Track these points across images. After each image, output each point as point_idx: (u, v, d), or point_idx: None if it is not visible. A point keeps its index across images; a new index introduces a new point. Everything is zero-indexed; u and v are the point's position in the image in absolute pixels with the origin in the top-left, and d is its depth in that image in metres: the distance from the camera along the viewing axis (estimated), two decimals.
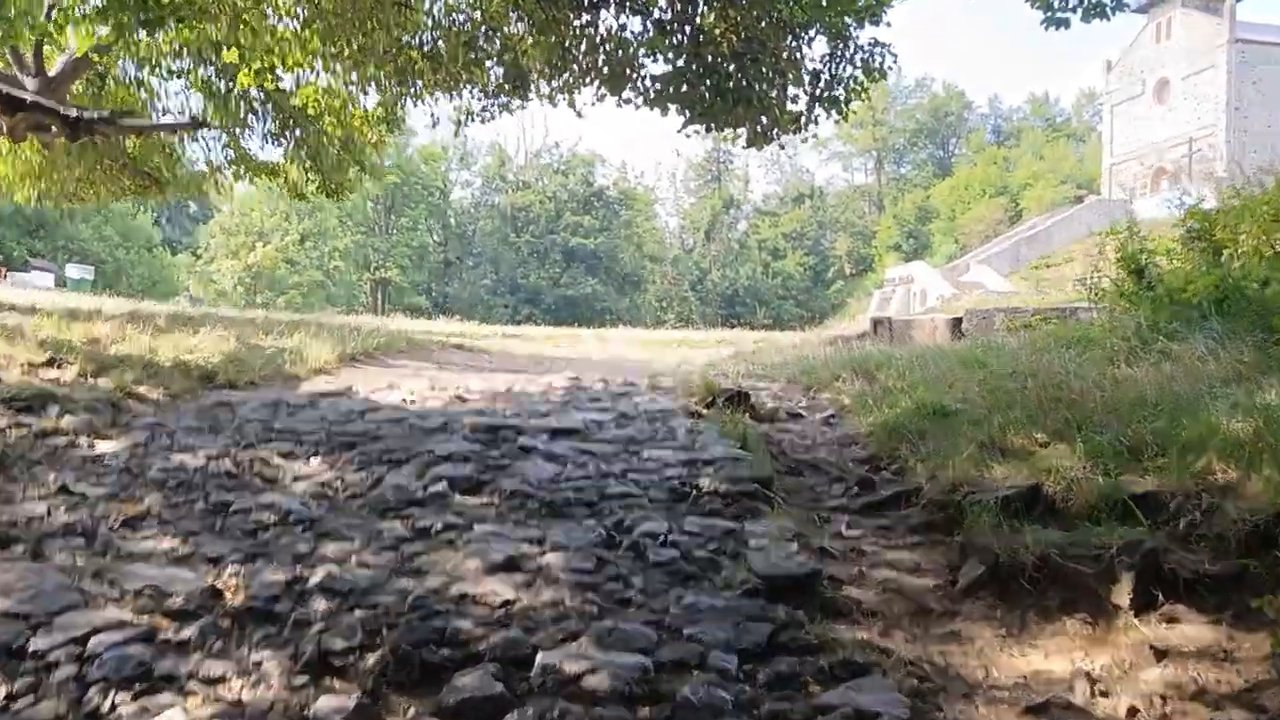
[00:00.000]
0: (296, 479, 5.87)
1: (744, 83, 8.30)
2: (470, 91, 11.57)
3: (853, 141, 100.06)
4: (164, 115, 15.37)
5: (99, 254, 55.55)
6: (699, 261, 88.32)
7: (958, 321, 12.16)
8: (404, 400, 8.26)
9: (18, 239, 51.76)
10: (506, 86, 9.84)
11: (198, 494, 5.50)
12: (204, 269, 67.72)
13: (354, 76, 10.55)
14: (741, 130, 10.09)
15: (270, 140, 15.76)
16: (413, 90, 10.98)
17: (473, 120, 11.77)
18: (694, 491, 5.51)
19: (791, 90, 8.64)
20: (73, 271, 38.89)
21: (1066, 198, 76.81)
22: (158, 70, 13.98)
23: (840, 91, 8.58)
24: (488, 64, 9.78)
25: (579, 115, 10.30)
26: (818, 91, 8.63)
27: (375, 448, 6.51)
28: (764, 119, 9.06)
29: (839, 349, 12.70)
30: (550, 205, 79.90)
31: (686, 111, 9.58)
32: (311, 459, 6.29)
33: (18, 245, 51.26)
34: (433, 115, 10.74)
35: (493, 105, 11.37)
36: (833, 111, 8.67)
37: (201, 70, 13.60)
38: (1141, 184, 67.64)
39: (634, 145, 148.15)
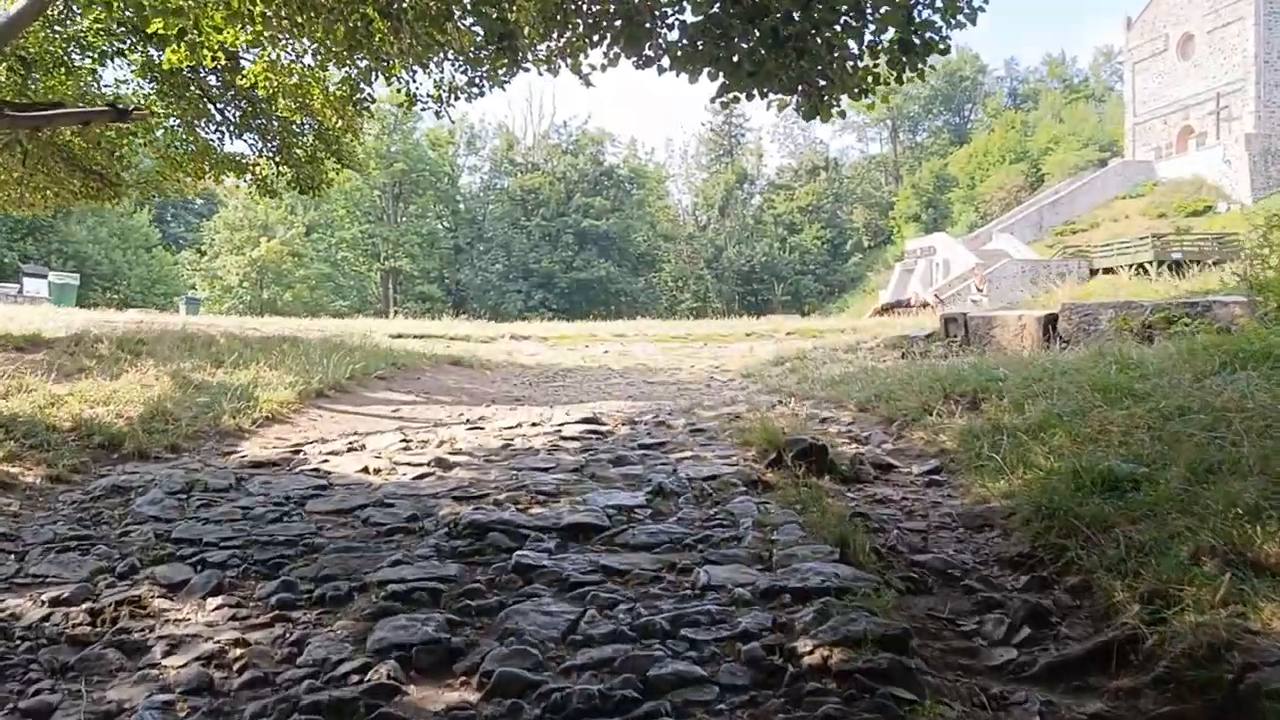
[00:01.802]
0: (174, 646, 3.82)
1: (809, 29, 6.15)
2: (451, 62, 9.47)
3: (866, 110, 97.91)
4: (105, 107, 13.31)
5: (94, 257, 53.64)
6: (714, 239, 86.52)
7: (1052, 320, 10.00)
8: (366, 469, 6.19)
9: (8, 243, 49.87)
10: (491, 50, 7.75)
11: (9, 687, 3.47)
12: (208, 266, 66.02)
13: (298, 46, 8.52)
14: (791, 98, 7.99)
15: (231, 131, 13.73)
16: (380, 62, 8.90)
17: (457, 97, 9.66)
18: (788, 668, 3.43)
19: (868, 38, 6.48)
20: (54, 278, 36.77)
21: (1089, 161, 74.84)
22: (89, 52, 11.99)
23: (934, 35, 6.42)
24: (464, 21, 7.71)
25: (587, 84, 8.21)
26: (907, 37, 6.48)
27: (308, 570, 4.46)
28: (825, 80, 6.90)
29: (911, 358, 10.62)
30: (560, 187, 78.35)
31: (723, 74, 7.47)
32: (209, 598, 4.25)
33: (8, 250, 49.39)
34: (408, 93, 8.80)
35: (478, 77, 9.27)
36: (919, 64, 6.53)
37: (141, 52, 11.56)
38: (1167, 144, 65.41)
39: (644, 121, 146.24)
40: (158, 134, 14.00)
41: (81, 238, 53.90)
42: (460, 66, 9.24)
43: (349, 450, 6.82)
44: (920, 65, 7.24)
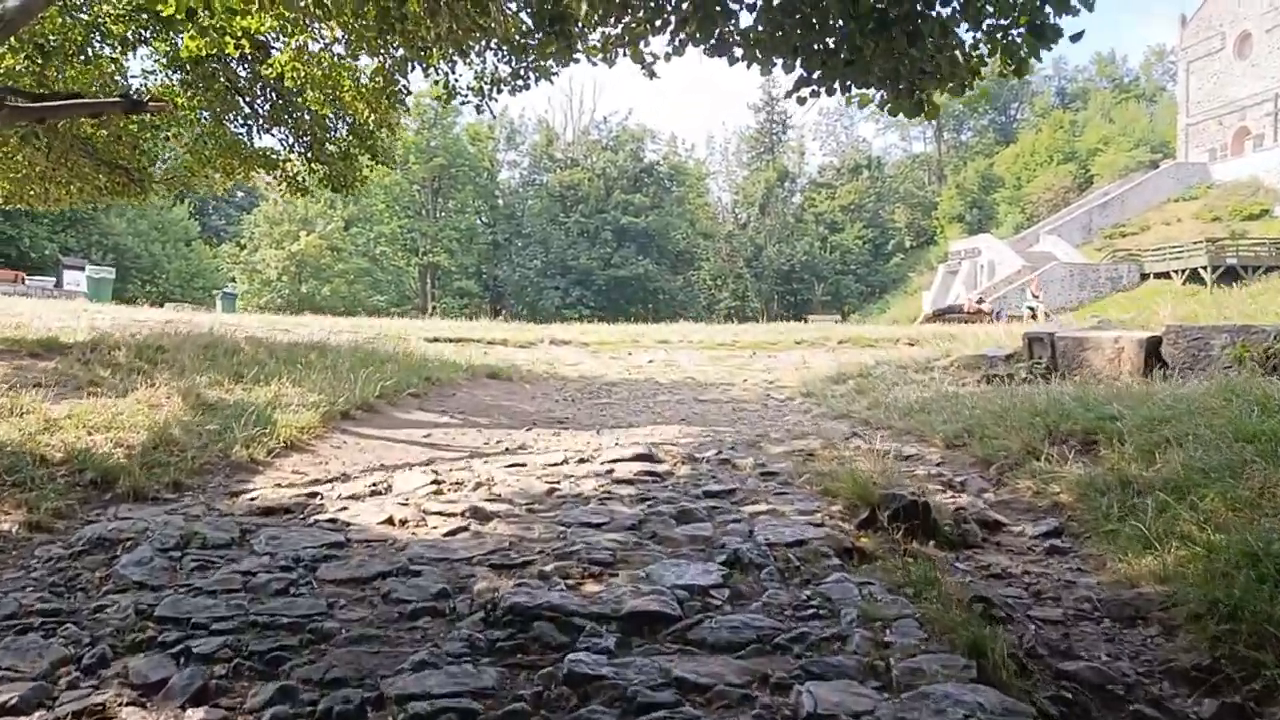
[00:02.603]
0: None
1: (923, 9, 5.22)
2: (494, 51, 8.60)
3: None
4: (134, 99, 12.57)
5: (133, 250, 53.44)
6: (754, 237, 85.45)
7: (1154, 344, 8.97)
8: (390, 520, 5.33)
9: (48, 235, 49.69)
10: (539, 36, 6.89)
11: None
12: (248, 259, 65.80)
13: (327, 32, 7.71)
14: (876, 93, 7.09)
15: (260, 126, 12.95)
16: (416, 50, 8.07)
17: (500, 90, 8.81)
18: None
19: (989, 22, 5.53)
20: (90, 272, 36.32)
21: (1140, 162, 73.25)
22: (109, 40, 11.27)
23: (1050, 13, 5.47)
24: (510, 3, 6.86)
25: (650, 74, 7.32)
26: (1039, 20, 5.53)
27: (313, 670, 3.61)
28: (926, 70, 5.96)
29: (995, 382, 9.63)
30: (599, 183, 77.62)
31: (803, 65, 6.56)
32: (189, 707, 3.41)
33: (49, 243, 49.21)
34: (446, 85, 8.03)
35: (523, 68, 8.41)
36: (1048, 48, 5.58)
37: (166, 40, 10.80)
38: (1222, 145, 63.73)
39: (685, 117, 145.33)
40: (184, 128, 13.24)
41: (121, 230, 53.73)
42: (504, 56, 8.38)
43: (372, 494, 5.95)
44: (1046, 50, 6.29)
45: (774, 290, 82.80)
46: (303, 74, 9.24)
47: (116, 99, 9.37)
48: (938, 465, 6.89)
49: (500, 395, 11.60)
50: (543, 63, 7.93)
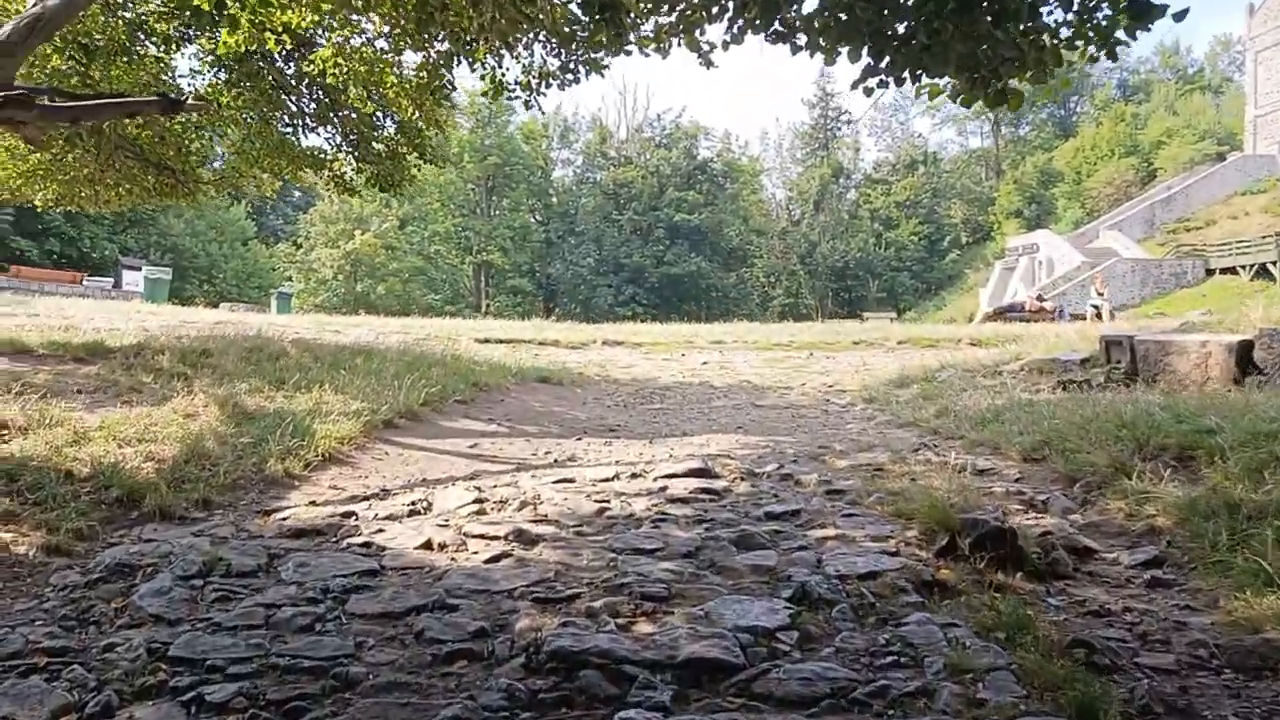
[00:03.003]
0: None
1: None
2: (541, 43, 8.22)
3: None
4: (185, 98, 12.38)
5: (191, 250, 54.01)
6: (808, 234, 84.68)
7: (1247, 349, 8.36)
8: (429, 544, 4.96)
9: (109, 236, 50.37)
10: (589, 26, 6.49)
11: None
12: (304, 258, 66.35)
13: (369, 26, 7.38)
14: (948, 82, 6.62)
15: (307, 125, 12.69)
16: (460, 44, 7.72)
17: (549, 84, 8.44)
18: None
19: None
20: (147, 272, 36.57)
21: (1205, 155, 71.38)
22: (153, 38, 11.07)
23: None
24: None
25: (707, 64, 6.90)
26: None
27: None
28: (1009, 57, 5.47)
29: (1072, 390, 9.07)
30: (653, 180, 77.41)
31: (870, 53, 6.11)
32: None
33: (109, 243, 49.88)
34: (493, 79, 7.70)
35: (573, 61, 8.02)
36: (1145, 28, 5.07)
37: (209, 37, 10.55)
38: None
39: (739, 113, 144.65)
40: (232, 128, 13.04)
41: (179, 231, 54.36)
42: (552, 48, 7.99)
43: (410, 513, 5.59)
44: (1145, 31, 5.78)
45: (828, 287, 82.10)
46: (345, 70, 8.94)
47: (153, 98, 9.12)
48: (1016, 481, 6.39)
49: (550, 401, 11.23)
50: (592, 54, 7.55)
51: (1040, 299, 36.03)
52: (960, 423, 8.27)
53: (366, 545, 4.94)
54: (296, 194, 75.46)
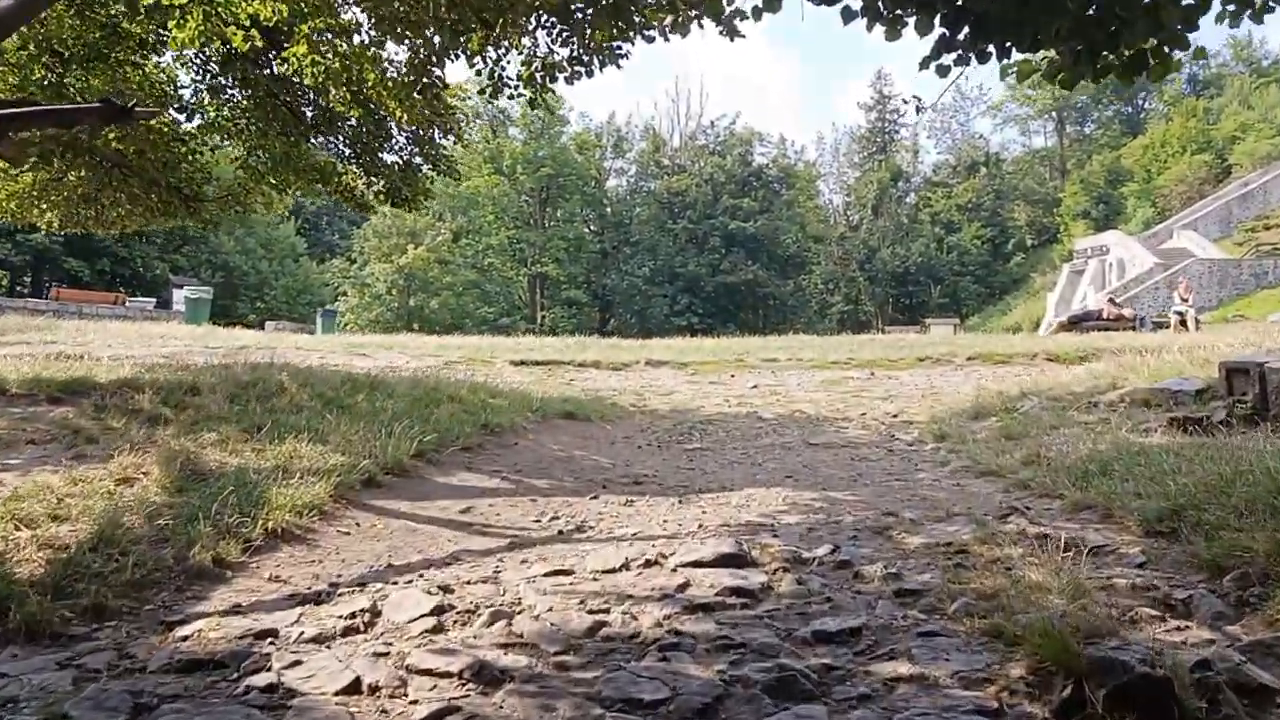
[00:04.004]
0: None
1: None
2: (544, 28, 6.94)
3: (1029, 103, 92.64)
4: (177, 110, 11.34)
5: (241, 267, 53.69)
6: (866, 239, 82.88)
7: None
8: (357, 685, 3.66)
9: (159, 255, 50.16)
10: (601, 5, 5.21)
11: None
12: (357, 274, 65.96)
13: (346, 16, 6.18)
14: (1045, 59, 5.28)
15: (300, 134, 11.50)
16: (449, 33, 6.47)
17: (554, 78, 7.15)
18: None
19: None
20: (188, 293, 35.74)
21: None
22: (128, 41, 9.95)
23: None
24: None
25: (731, 36, 5.56)
26: None
27: None
28: (1127, 14, 4.09)
29: (1193, 433, 7.53)
30: (707, 188, 76.30)
31: (947, 21, 4.78)
32: None
33: (159, 262, 49.66)
34: (491, 74, 6.59)
35: (581, 50, 6.75)
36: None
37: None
38: None
39: (794, 117, 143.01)
40: (232, 140, 11.94)
41: (229, 249, 54.11)
42: (557, 35, 6.70)
43: (346, 630, 4.28)
44: None
45: (888, 294, 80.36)
46: (323, 68, 7.77)
47: (95, 105, 8.02)
48: (1141, 568, 4.94)
49: (572, 443, 9.87)
50: (601, 40, 6.27)
51: (1114, 302, 34.02)
52: (1056, 475, 6.78)
53: (270, 690, 3.64)
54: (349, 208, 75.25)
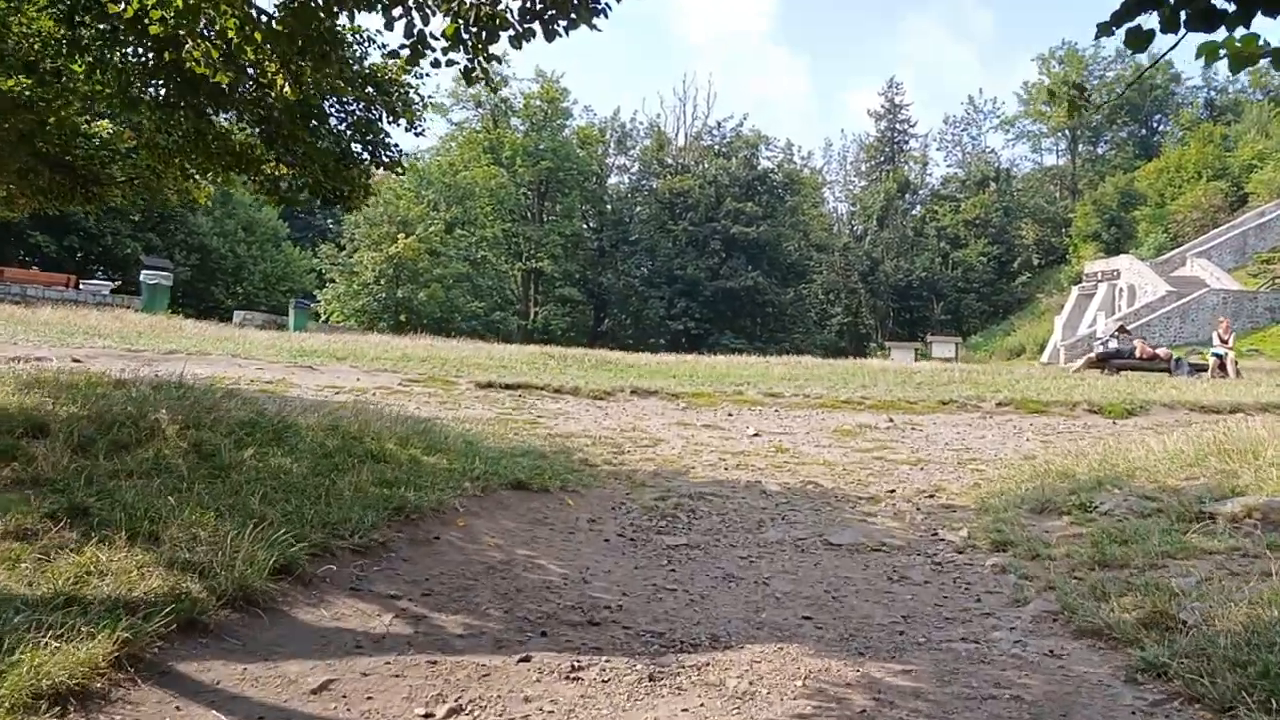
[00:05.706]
0: None
1: None
2: None
3: (1043, 120, 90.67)
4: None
5: (218, 250, 51.21)
6: (870, 250, 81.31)
7: None
8: None
9: (131, 234, 47.60)
10: None
11: None
12: (345, 261, 63.72)
13: None
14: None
15: (214, 111, 9.23)
16: None
17: (496, 37, 4.91)
18: None
19: None
20: (146, 277, 32.65)
21: None
22: None
23: None
24: None
25: None
26: None
27: None
28: None
29: None
30: (710, 190, 74.60)
31: None
32: None
33: (131, 240, 47.12)
34: (410, 33, 4.74)
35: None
36: None
37: None
38: None
39: (801, 123, 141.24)
40: (124, 110, 9.64)
41: (206, 230, 51.60)
42: None
43: None
44: None
45: (889, 307, 78.85)
46: (172, 9, 5.54)
47: None
48: None
49: (517, 534, 7.42)
50: None
51: (1124, 329, 31.90)
52: (1210, 661, 4.55)
53: None
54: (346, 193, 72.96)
